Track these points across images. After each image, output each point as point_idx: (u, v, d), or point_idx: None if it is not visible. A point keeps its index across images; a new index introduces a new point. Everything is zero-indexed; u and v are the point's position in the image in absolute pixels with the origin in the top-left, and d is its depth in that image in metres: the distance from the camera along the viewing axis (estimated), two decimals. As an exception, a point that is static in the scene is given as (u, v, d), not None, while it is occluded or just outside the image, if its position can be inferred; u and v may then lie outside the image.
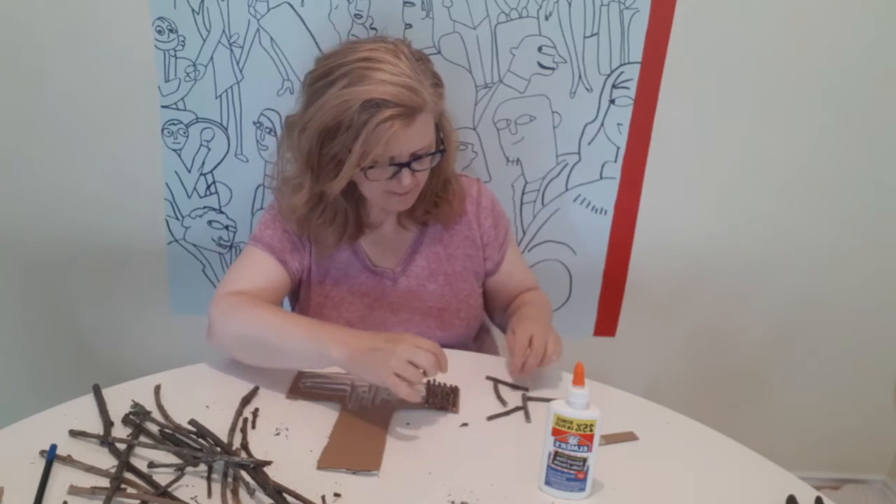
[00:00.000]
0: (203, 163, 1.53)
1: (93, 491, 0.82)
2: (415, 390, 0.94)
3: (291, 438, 0.96)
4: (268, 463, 0.88)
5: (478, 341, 1.36)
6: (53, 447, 0.87)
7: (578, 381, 0.84)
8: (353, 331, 1.02)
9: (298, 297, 1.27)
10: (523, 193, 1.60)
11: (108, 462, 0.88)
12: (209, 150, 1.52)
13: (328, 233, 1.18)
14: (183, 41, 1.44)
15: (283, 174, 1.19)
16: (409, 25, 1.45)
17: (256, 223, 1.23)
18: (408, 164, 1.08)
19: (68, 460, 0.86)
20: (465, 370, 1.14)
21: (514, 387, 1.11)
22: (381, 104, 1.01)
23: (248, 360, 1.08)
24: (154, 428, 0.94)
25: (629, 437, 1.00)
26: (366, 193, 1.16)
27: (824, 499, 0.88)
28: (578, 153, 1.57)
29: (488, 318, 1.41)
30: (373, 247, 1.24)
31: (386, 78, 1.02)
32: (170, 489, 0.84)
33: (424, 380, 0.95)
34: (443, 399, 1.05)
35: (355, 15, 1.43)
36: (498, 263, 1.30)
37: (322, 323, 1.05)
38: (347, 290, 1.23)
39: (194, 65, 1.45)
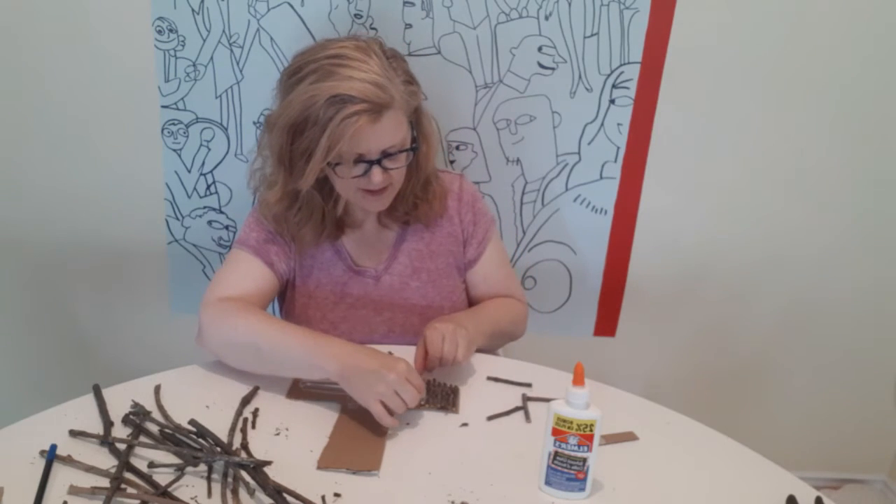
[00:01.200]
0: (203, 163, 1.53)
1: (93, 491, 0.82)
2: (395, 420, 0.96)
3: (291, 438, 0.96)
4: (268, 463, 0.88)
5: None
6: (53, 447, 0.87)
7: (578, 381, 0.84)
8: (349, 345, 1.02)
9: (285, 297, 1.28)
10: (523, 193, 1.60)
11: (108, 462, 0.88)
12: (209, 150, 1.52)
13: (305, 231, 1.19)
14: (183, 41, 1.44)
15: (260, 171, 1.19)
16: (409, 25, 1.45)
17: (241, 226, 1.23)
18: (378, 162, 1.08)
19: (68, 460, 0.86)
20: (465, 370, 1.14)
21: (515, 384, 1.11)
22: (347, 100, 1.02)
23: (238, 366, 1.08)
24: (154, 428, 0.94)
25: (629, 437, 1.00)
26: (340, 191, 1.16)
27: (824, 499, 0.88)
28: (578, 153, 1.57)
29: None
30: (355, 246, 1.25)
31: (353, 74, 1.03)
32: (170, 489, 0.84)
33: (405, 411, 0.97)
34: (443, 399, 1.05)
35: (355, 15, 1.43)
36: (473, 261, 1.29)
37: (317, 334, 1.05)
38: (331, 290, 1.23)
39: (194, 65, 1.46)
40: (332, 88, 1.02)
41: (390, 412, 0.96)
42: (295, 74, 1.07)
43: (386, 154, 1.08)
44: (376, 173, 1.08)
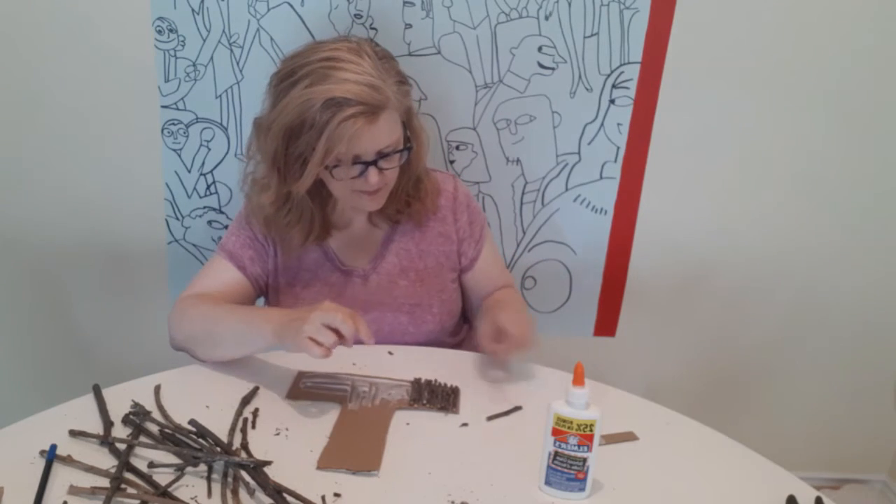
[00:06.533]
0: (203, 163, 1.53)
1: (93, 491, 0.82)
2: (326, 350, 0.95)
3: (291, 438, 0.96)
4: (268, 463, 0.88)
5: (456, 336, 1.34)
6: (53, 447, 0.87)
7: (578, 381, 0.84)
8: (286, 310, 1.06)
9: (269, 301, 1.29)
10: (523, 193, 1.60)
11: (108, 462, 0.88)
12: (209, 150, 1.52)
13: (293, 233, 1.19)
14: (183, 41, 1.44)
15: (252, 175, 1.19)
16: (409, 25, 1.45)
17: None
18: (374, 163, 1.08)
19: (68, 460, 0.87)
20: (466, 370, 1.14)
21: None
22: (343, 102, 1.02)
23: (206, 357, 1.11)
24: (154, 428, 0.95)
25: (629, 437, 1.00)
26: (335, 193, 1.17)
27: (824, 499, 0.88)
28: (578, 153, 1.57)
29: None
30: (343, 246, 1.25)
31: (348, 77, 1.03)
32: (170, 489, 0.84)
33: (350, 345, 0.97)
34: (443, 399, 1.05)
35: (355, 15, 1.43)
36: (473, 260, 1.30)
37: (260, 308, 1.11)
38: (318, 291, 1.24)
39: (194, 65, 1.46)
40: (328, 91, 1.02)
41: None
42: (287, 78, 1.07)
43: (382, 155, 1.09)
44: (373, 174, 1.09)
